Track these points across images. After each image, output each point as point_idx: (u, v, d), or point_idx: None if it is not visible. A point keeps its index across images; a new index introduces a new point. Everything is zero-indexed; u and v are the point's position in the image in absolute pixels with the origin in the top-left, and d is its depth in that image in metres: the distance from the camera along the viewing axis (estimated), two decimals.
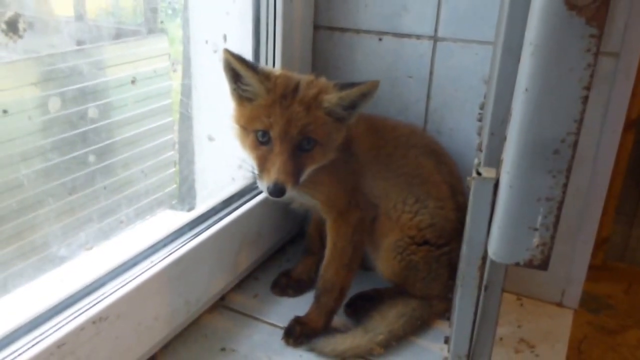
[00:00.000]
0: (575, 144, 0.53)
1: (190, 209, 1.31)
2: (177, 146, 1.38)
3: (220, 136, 1.31)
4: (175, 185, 1.38)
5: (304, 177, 1.02)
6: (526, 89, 0.54)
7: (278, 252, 1.45)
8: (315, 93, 1.00)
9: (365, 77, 1.34)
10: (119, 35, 1.17)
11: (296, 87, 1.01)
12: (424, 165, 1.18)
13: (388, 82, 1.32)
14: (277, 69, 1.14)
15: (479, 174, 0.71)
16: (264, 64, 1.28)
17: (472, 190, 0.72)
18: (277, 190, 0.97)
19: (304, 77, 1.04)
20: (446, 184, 1.18)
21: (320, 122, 1.00)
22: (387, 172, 1.16)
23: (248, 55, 1.26)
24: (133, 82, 1.18)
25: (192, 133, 1.36)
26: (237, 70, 0.99)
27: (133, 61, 1.22)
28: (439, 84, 1.28)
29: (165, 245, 1.07)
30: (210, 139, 1.33)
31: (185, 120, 1.36)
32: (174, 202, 1.36)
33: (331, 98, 1.00)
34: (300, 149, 1.00)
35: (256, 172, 1.02)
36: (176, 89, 1.34)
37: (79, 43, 1.07)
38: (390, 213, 1.15)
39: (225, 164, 1.32)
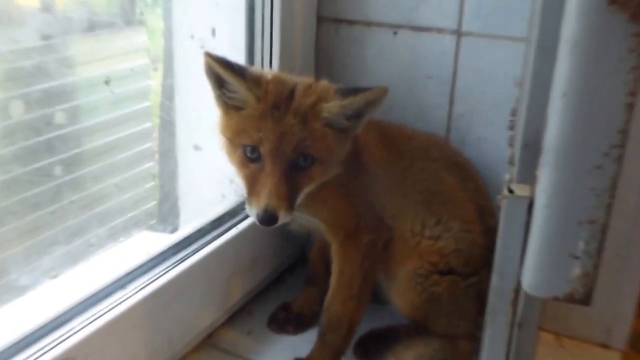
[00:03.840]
0: (620, 158, 0.54)
1: (173, 230, 1.32)
2: (157, 156, 1.40)
3: (208, 145, 1.32)
4: (154, 202, 1.39)
5: (300, 199, 1.02)
6: (564, 93, 0.55)
7: (276, 281, 1.45)
8: (312, 101, 1.00)
9: (377, 78, 1.36)
10: (91, 27, 1.20)
11: (291, 94, 1.00)
12: (446, 181, 1.19)
13: (404, 83, 1.34)
14: (269, 72, 1.15)
15: (510, 191, 0.72)
16: (257, 64, 1.29)
17: (503, 211, 0.73)
18: (267, 218, 0.96)
19: (301, 81, 1.04)
20: (472, 203, 1.19)
21: (318, 136, 0.99)
22: (402, 188, 1.17)
23: (240, 53, 1.28)
24: (107, 82, 1.20)
25: (175, 141, 1.38)
26: (221, 75, 0.99)
27: (107, 57, 1.25)
28: (463, 86, 1.30)
29: (143, 273, 1.08)
30: (197, 148, 1.35)
31: (167, 126, 1.38)
32: (153, 222, 1.37)
33: (331, 107, 0.99)
34: (295, 168, 0.99)
35: (245, 194, 1.02)
36: (156, 90, 1.37)
37: (45, 37, 1.10)
38: (407, 236, 1.15)
39: (214, 177, 1.33)
